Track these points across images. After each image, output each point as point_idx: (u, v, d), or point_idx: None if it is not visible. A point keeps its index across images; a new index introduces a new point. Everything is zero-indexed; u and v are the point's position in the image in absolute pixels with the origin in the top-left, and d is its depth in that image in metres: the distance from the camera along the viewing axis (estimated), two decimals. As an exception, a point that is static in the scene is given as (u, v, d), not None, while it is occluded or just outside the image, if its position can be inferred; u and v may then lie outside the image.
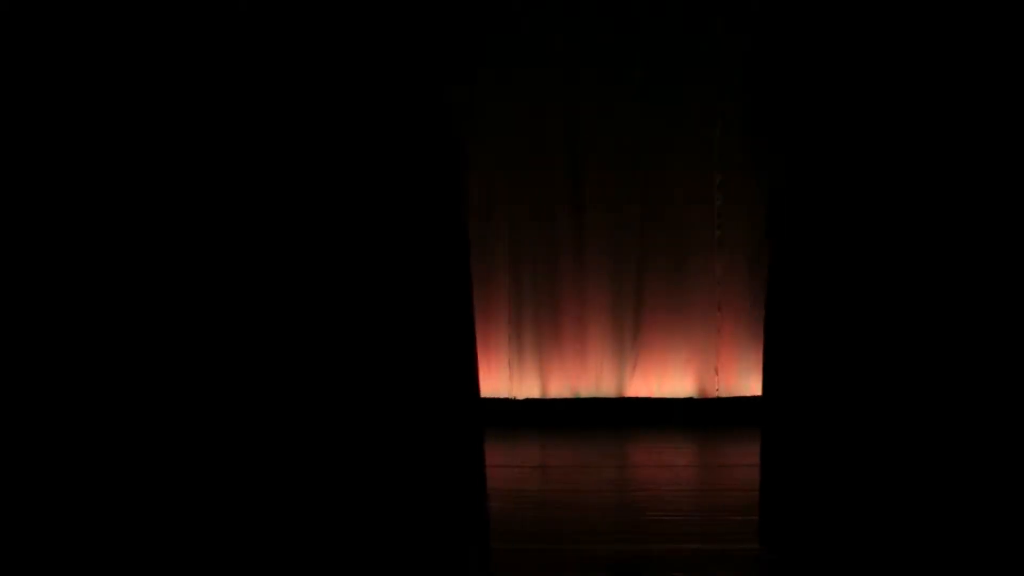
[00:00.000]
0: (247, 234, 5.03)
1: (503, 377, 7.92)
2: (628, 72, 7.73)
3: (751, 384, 7.82)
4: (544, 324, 7.87)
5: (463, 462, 5.25)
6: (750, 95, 7.69)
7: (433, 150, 5.10)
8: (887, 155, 4.92)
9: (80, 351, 4.98)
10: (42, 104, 5.00)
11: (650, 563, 4.95)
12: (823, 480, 4.90)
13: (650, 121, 7.76)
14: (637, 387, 7.90)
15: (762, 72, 7.64)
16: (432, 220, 5.10)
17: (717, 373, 7.85)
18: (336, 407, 5.03)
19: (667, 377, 7.88)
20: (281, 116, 5.04)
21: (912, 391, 4.84)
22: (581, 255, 7.85)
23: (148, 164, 5.01)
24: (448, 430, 5.18)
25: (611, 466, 7.02)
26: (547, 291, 7.87)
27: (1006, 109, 4.85)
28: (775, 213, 5.28)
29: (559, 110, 7.78)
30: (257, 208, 5.03)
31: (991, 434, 4.78)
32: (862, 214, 4.93)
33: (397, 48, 5.08)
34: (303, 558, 4.91)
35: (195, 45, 5.03)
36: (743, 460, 6.99)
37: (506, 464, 7.01)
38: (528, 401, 7.92)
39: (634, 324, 7.85)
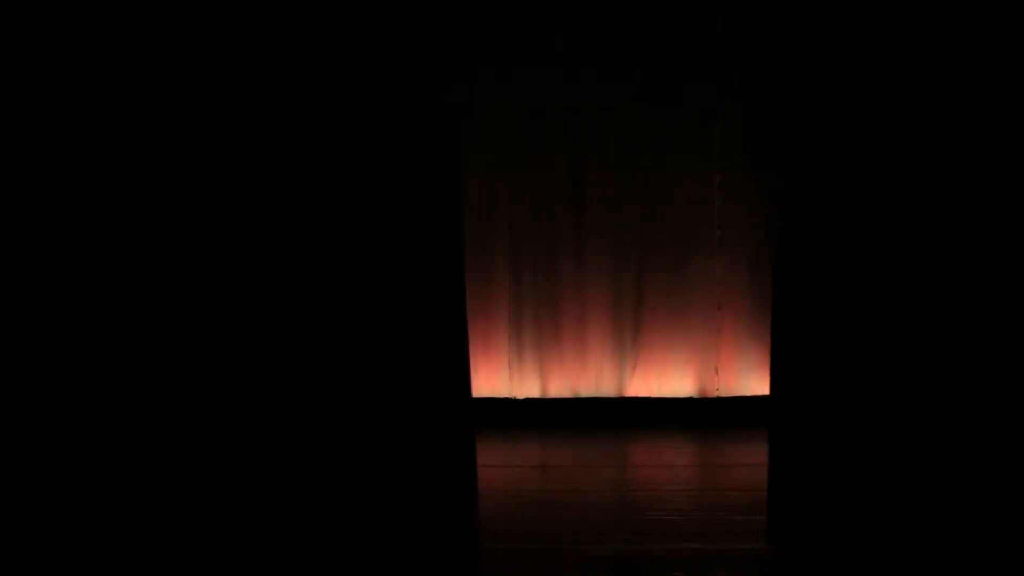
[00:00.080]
0: (237, 232, 5.03)
1: (503, 377, 7.92)
2: (628, 72, 7.73)
3: (751, 384, 7.82)
4: (544, 324, 7.87)
5: (454, 462, 5.25)
6: (750, 95, 7.68)
7: (426, 151, 5.10)
8: (890, 154, 4.92)
9: (78, 350, 4.99)
10: (42, 104, 5.00)
11: (650, 563, 4.95)
12: (832, 479, 4.90)
13: (650, 121, 7.76)
14: (637, 387, 7.90)
15: (762, 72, 7.63)
16: (425, 220, 5.10)
17: (717, 373, 7.86)
18: (326, 406, 5.03)
19: (667, 377, 7.88)
20: (277, 116, 5.04)
21: (920, 389, 4.84)
22: (581, 255, 7.85)
23: (145, 163, 5.01)
24: (439, 430, 5.17)
25: (611, 466, 7.02)
26: (547, 291, 7.87)
27: (1006, 107, 4.85)
28: (780, 213, 5.28)
29: (559, 110, 7.78)
30: (249, 206, 5.03)
31: (1002, 433, 4.78)
32: (867, 213, 4.93)
33: (393, 49, 5.08)
34: (291, 556, 4.91)
35: (195, 45, 5.03)
36: (743, 460, 7.00)
37: (506, 464, 7.01)
38: (528, 401, 7.92)
39: (634, 324, 7.86)
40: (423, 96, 5.13)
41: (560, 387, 7.92)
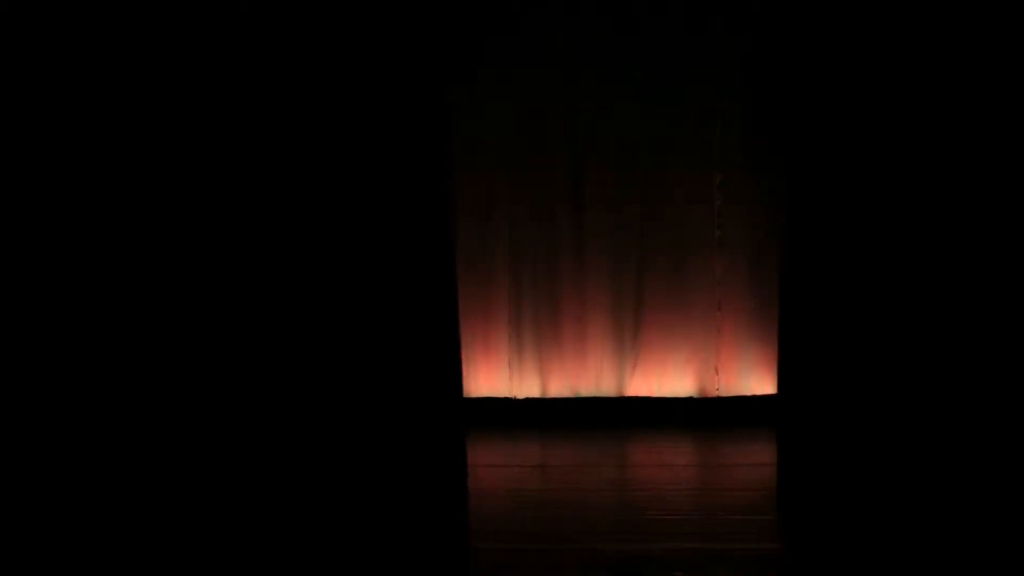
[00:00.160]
0: (223, 228, 5.02)
1: (503, 377, 7.92)
2: (628, 72, 7.73)
3: (751, 384, 7.83)
4: (544, 324, 7.88)
5: (444, 462, 5.25)
6: (750, 95, 7.72)
7: (417, 151, 5.11)
8: (893, 152, 4.92)
9: (69, 351, 4.99)
10: (41, 103, 5.00)
11: (650, 562, 4.95)
12: (842, 476, 4.90)
13: (650, 121, 7.76)
14: (637, 386, 7.90)
15: (762, 72, 7.66)
16: (415, 221, 5.10)
17: (717, 372, 7.86)
18: (315, 406, 5.04)
19: (667, 377, 7.88)
20: (270, 116, 5.05)
21: (928, 387, 4.84)
22: (581, 255, 7.85)
23: (136, 162, 5.02)
24: (429, 430, 5.18)
25: (611, 465, 7.03)
26: (547, 291, 7.87)
27: (1006, 106, 4.85)
28: (783, 212, 5.28)
29: (559, 110, 7.78)
30: (237, 202, 5.03)
31: (1011, 432, 4.79)
32: (871, 211, 4.93)
33: (386, 50, 5.09)
34: (281, 556, 4.90)
35: (193, 44, 5.03)
36: (743, 459, 7.00)
37: (506, 464, 7.02)
38: (528, 400, 7.92)
39: (634, 324, 7.86)
40: (415, 96, 5.14)
41: (560, 387, 7.92)
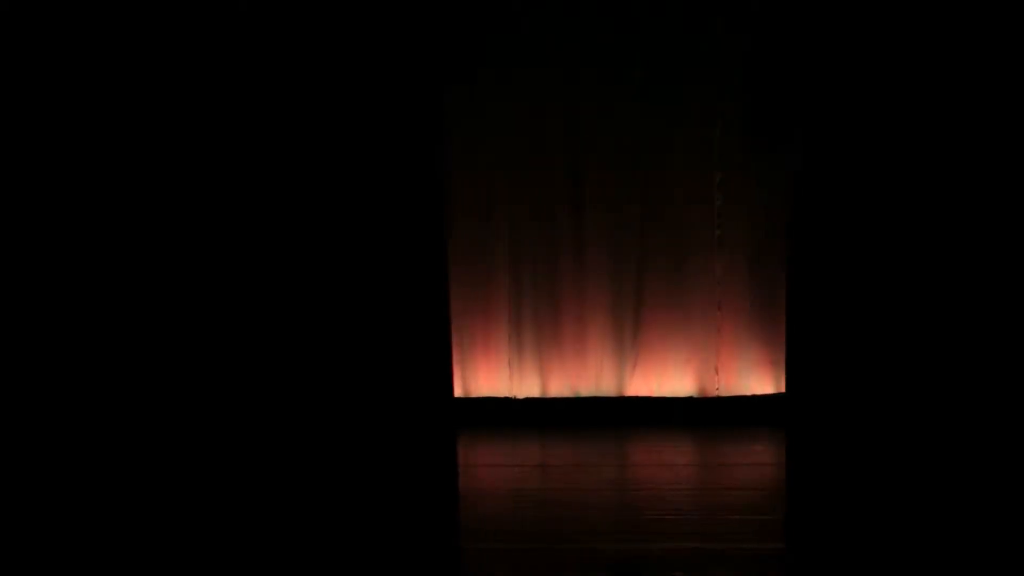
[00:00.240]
0: (214, 227, 5.02)
1: (503, 377, 7.92)
2: (628, 72, 7.74)
3: (751, 383, 7.83)
4: (544, 324, 7.88)
5: (434, 462, 5.24)
6: (750, 95, 7.72)
7: (410, 151, 5.10)
8: (899, 149, 4.92)
9: (58, 351, 4.99)
10: (41, 103, 5.00)
11: (650, 562, 4.95)
12: (851, 477, 4.89)
13: (650, 121, 7.76)
14: (637, 386, 7.90)
15: (762, 72, 7.66)
16: (406, 221, 5.09)
17: (717, 372, 7.86)
18: (302, 406, 5.03)
19: (667, 376, 7.88)
20: (263, 115, 5.04)
21: (940, 386, 4.84)
22: (581, 255, 7.85)
23: (133, 161, 5.01)
24: (419, 430, 5.17)
25: (611, 465, 7.03)
26: (547, 291, 7.88)
27: (1007, 105, 4.85)
28: (787, 212, 5.28)
29: (559, 110, 7.78)
30: (229, 201, 5.03)
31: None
32: (877, 209, 4.93)
33: (381, 51, 5.08)
34: (268, 556, 4.90)
35: (188, 43, 5.03)
36: (743, 459, 7.01)
37: (506, 463, 7.02)
38: (528, 400, 7.92)
39: (634, 323, 7.86)
40: (409, 96, 5.13)
41: (560, 386, 7.93)
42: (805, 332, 5.15)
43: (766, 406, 7.72)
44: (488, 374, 7.90)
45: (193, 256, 5.01)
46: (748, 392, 7.83)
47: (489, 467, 6.93)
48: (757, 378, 7.81)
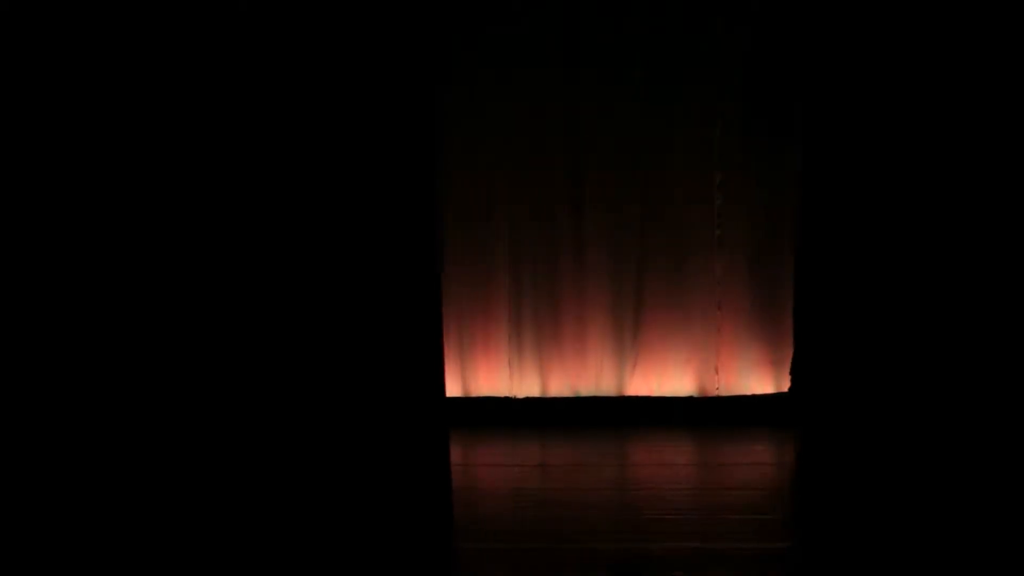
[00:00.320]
0: (205, 228, 5.02)
1: (503, 376, 7.93)
2: (628, 72, 7.74)
3: (751, 383, 7.83)
4: (544, 324, 7.88)
5: (426, 462, 5.24)
6: (750, 95, 7.73)
7: (401, 152, 5.10)
8: (904, 148, 4.92)
9: (50, 354, 4.99)
10: (40, 103, 5.01)
11: (650, 562, 4.95)
12: (861, 475, 4.90)
13: (650, 121, 7.77)
14: (637, 386, 7.91)
15: (762, 72, 7.67)
16: (397, 222, 5.09)
17: (717, 372, 7.86)
18: (292, 404, 5.03)
19: (667, 376, 7.89)
20: (258, 116, 5.04)
21: (951, 384, 4.84)
22: (581, 255, 7.86)
23: (125, 160, 5.01)
24: (409, 430, 5.16)
25: (611, 465, 7.03)
26: (547, 291, 7.88)
27: (1008, 103, 4.86)
28: (793, 212, 5.28)
29: (559, 110, 7.79)
30: (220, 201, 5.03)
31: None
32: (884, 207, 4.93)
33: (375, 52, 5.08)
34: (256, 555, 4.89)
35: (173, 44, 5.03)
36: (743, 459, 7.01)
37: (506, 463, 7.02)
38: (528, 400, 7.93)
39: (634, 323, 7.87)
40: (401, 96, 5.13)
41: (560, 386, 7.93)
42: (813, 330, 5.15)
43: (766, 406, 7.72)
44: (488, 374, 7.91)
45: (181, 254, 5.01)
46: (748, 392, 7.83)
47: (489, 467, 6.93)
48: (757, 378, 7.81)
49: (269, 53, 5.02)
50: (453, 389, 7.73)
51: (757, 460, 7.00)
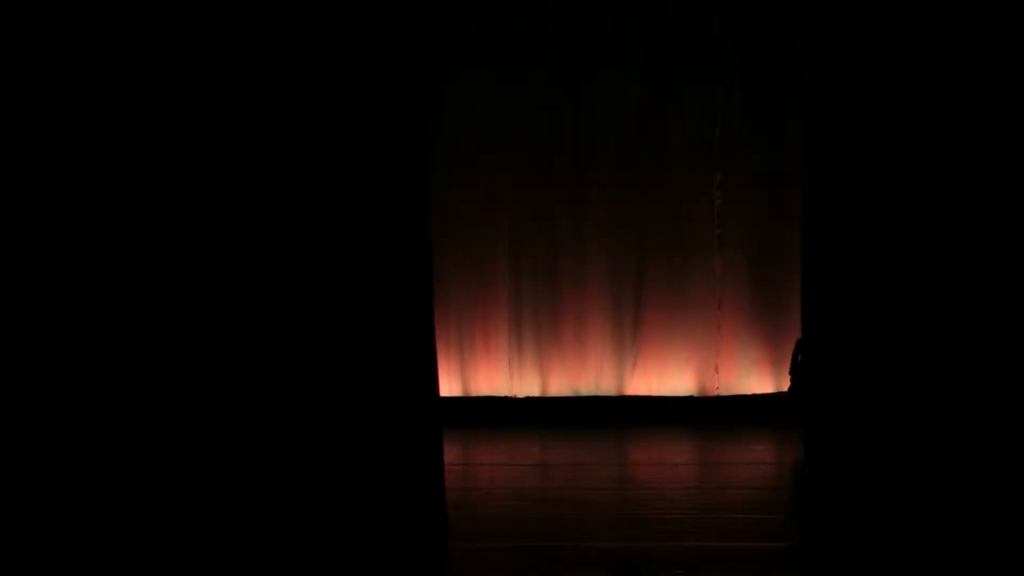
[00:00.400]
0: (198, 228, 5.02)
1: (503, 376, 7.94)
2: (628, 72, 7.75)
3: (751, 382, 7.84)
4: (544, 323, 7.89)
5: (418, 462, 5.24)
6: (750, 95, 7.74)
7: (390, 153, 5.10)
8: (909, 147, 4.92)
9: (48, 355, 5.00)
10: (40, 103, 5.02)
11: (650, 561, 4.96)
12: (868, 475, 4.89)
13: (650, 121, 7.78)
14: (637, 385, 7.92)
15: (762, 72, 7.68)
16: (388, 223, 5.09)
17: (717, 371, 7.88)
18: (286, 405, 5.03)
19: (667, 375, 7.90)
20: (253, 115, 5.04)
21: (954, 383, 4.84)
22: (581, 255, 7.87)
23: (126, 160, 5.02)
24: (403, 430, 5.17)
25: (611, 464, 7.04)
26: (547, 291, 7.89)
27: (1009, 102, 4.87)
28: (800, 213, 5.28)
29: (559, 110, 7.80)
30: (213, 201, 5.03)
31: None
32: (890, 206, 4.93)
33: (368, 53, 5.08)
34: (249, 554, 4.90)
35: (166, 45, 5.04)
36: (743, 458, 7.02)
37: (506, 462, 7.03)
38: (528, 399, 7.94)
39: (634, 323, 7.88)
40: (391, 97, 5.13)
41: (560, 386, 7.94)
42: (820, 328, 5.15)
43: (766, 405, 7.74)
44: (488, 374, 7.92)
45: (169, 253, 5.01)
46: (748, 391, 7.84)
47: (489, 466, 6.94)
48: (757, 377, 7.82)
49: (268, 53, 5.02)
50: (453, 388, 7.75)
51: (757, 459, 7.01)
